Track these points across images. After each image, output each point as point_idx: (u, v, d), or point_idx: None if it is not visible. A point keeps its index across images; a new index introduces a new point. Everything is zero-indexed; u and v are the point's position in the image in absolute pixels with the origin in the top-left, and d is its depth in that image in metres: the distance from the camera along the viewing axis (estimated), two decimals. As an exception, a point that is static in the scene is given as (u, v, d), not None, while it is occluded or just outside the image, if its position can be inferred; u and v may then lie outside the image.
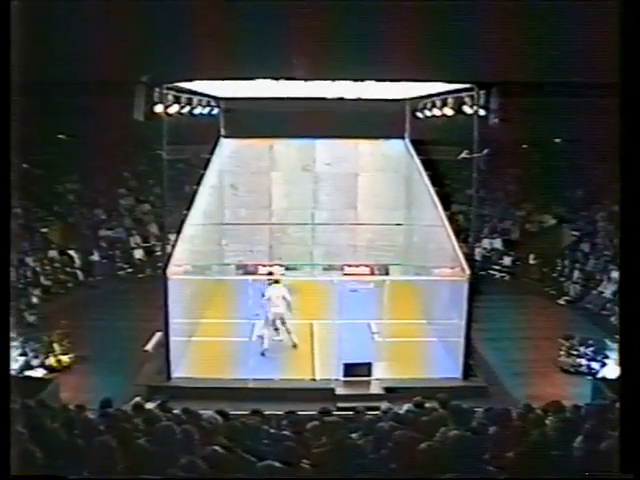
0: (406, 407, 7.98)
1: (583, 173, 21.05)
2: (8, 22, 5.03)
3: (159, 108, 12.84)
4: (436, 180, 15.50)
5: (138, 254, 21.87)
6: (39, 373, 13.30)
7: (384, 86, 14.25)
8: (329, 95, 15.40)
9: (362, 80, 13.49)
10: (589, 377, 13.15)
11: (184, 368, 12.82)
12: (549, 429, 6.31)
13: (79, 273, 20.44)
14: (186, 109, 14.67)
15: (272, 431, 6.75)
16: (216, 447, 5.29)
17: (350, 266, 18.25)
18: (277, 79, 13.29)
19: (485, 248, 21.99)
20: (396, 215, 18.34)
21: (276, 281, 14.10)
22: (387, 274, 17.30)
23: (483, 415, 7.07)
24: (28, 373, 13.17)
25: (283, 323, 13.60)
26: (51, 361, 13.69)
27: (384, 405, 8.92)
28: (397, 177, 18.25)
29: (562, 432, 6.06)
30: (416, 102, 16.66)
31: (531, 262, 21.27)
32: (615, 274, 17.76)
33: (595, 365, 13.54)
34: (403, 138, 17.90)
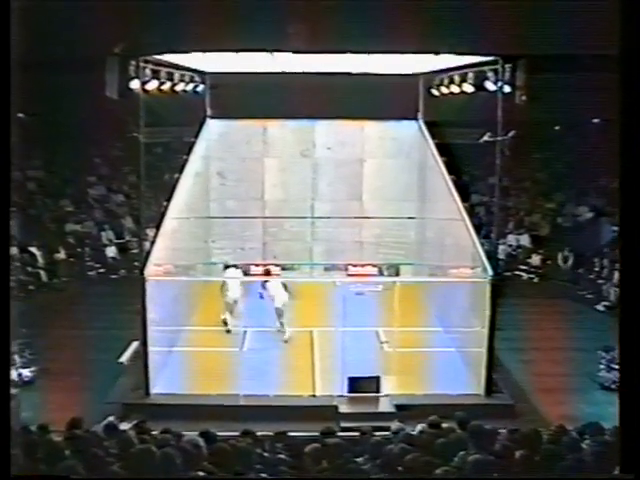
0: (420, 427, 8.00)
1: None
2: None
3: (135, 84, 12.84)
4: (454, 167, 15.50)
5: (111, 252, 21.88)
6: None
7: (394, 59, 14.24)
8: (331, 70, 15.38)
9: (369, 52, 13.47)
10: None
11: (165, 383, 12.82)
12: (586, 454, 6.31)
13: (42, 273, 20.44)
14: (167, 85, 14.68)
15: (266, 455, 6.76)
16: (201, 473, 5.29)
17: (355, 266, 18.29)
18: (271, 51, 13.28)
19: (510, 245, 22.02)
20: (408, 207, 18.34)
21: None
22: (397, 275, 17.32)
23: (508, 437, 7.08)
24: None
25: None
26: (10, 375, 13.71)
27: (394, 425, 8.92)
28: (409, 164, 18.24)
29: (601, 458, 6.05)
30: (431, 78, 16.65)
31: (564, 261, 21.28)
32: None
33: None
34: (416, 119, 17.88)
